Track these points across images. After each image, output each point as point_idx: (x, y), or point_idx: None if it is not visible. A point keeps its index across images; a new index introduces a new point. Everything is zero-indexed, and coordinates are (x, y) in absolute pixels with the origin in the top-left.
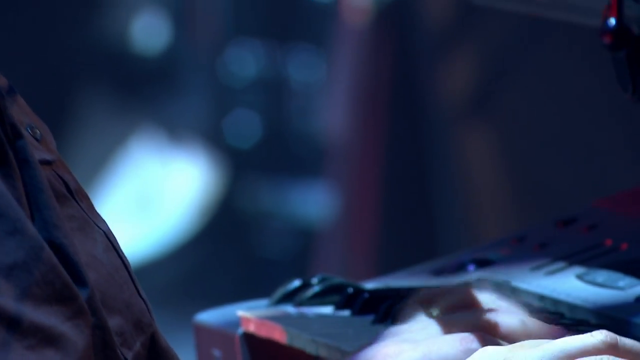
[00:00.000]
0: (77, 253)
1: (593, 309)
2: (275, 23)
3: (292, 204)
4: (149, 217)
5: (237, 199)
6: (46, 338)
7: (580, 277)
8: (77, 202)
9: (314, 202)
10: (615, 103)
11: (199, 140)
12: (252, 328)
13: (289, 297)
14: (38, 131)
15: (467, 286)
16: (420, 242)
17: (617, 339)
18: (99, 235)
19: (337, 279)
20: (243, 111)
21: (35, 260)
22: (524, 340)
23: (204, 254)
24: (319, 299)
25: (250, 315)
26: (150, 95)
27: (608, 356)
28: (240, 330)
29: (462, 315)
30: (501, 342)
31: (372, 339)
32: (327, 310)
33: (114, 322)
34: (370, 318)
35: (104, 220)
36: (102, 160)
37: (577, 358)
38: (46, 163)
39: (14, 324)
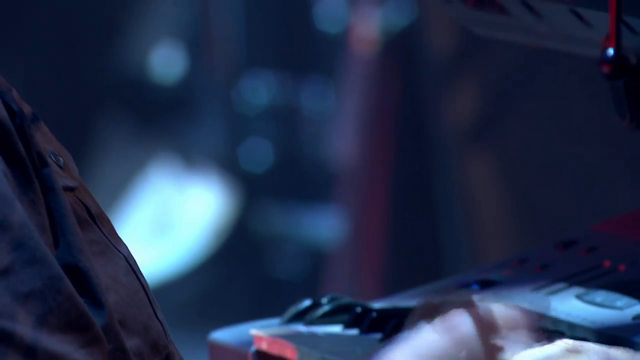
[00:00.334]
0: (97, 276)
1: (592, 327)
2: (287, 54)
3: (303, 226)
4: (166, 239)
5: (250, 222)
6: None
7: (579, 297)
8: (98, 226)
9: (324, 225)
10: (613, 130)
11: (214, 165)
12: (264, 346)
13: (300, 316)
14: (61, 158)
15: (467, 295)
16: (426, 263)
17: (578, 345)
18: (119, 259)
19: (346, 299)
20: (256, 138)
21: (52, 289)
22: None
23: (218, 274)
24: (328, 318)
25: (262, 333)
26: (168, 123)
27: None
28: (253, 348)
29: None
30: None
31: (374, 353)
32: (337, 328)
33: (132, 343)
34: (377, 336)
35: (124, 244)
36: (122, 185)
37: None
38: (69, 189)
39: (29, 352)
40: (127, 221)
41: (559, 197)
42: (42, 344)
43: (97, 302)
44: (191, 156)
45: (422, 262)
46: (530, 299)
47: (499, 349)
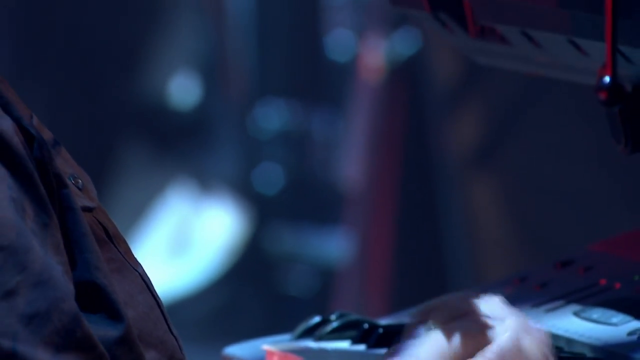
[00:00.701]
0: (115, 292)
1: (589, 343)
2: (298, 82)
3: (313, 246)
4: (183, 258)
5: (263, 241)
6: None
7: (577, 314)
8: (115, 246)
9: (333, 245)
10: (609, 155)
11: (228, 188)
12: None
13: (310, 332)
14: (80, 181)
15: (462, 295)
16: (430, 281)
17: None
18: (135, 277)
19: (354, 316)
20: (269, 162)
21: (57, 310)
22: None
23: (232, 292)
24: (337, 334)
25: (274, 348)
26: (185, 148)
27: None
28: None
29: (458, 324)
30: None
31: None
32: (345, 344)
33: (150, 356)
34: (384, 351)
35: (139, 263)
36: (142, 206)
37: None
38: (87, 210)
39: None
40: (146, 240)
41: (557, 218)
42: None
43: (116, 315)
44: (207, 179)
45: (427, 279)
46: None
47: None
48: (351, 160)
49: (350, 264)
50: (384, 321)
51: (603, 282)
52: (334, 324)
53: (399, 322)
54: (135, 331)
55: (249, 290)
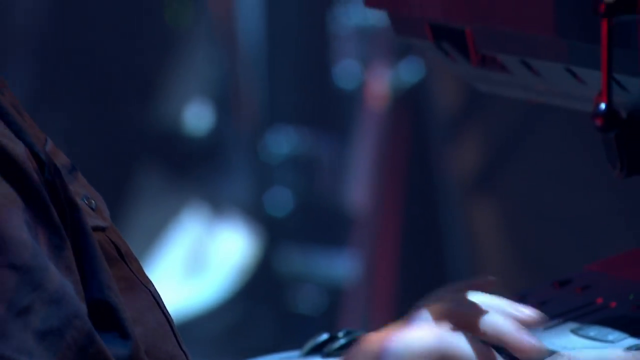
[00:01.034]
0: (125, 311)
1: None
2: (306, 109)
3: (322, 266)
4: (197, 277)
5: (273, 262)
6: None
7: (574, 331)
8: (126, 264)
9: (340, 265)
10: (605, 179)
11: (240, 211)
12: None
13: (318, 349)
14: (93, 201)
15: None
16: None
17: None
18: (145, 295)
19: (361, 333)
20: (279, 186)
21: (70, 327)
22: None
23: (244, 310)
24: (344, 350)
25: None
26: (199, 173)
27: None
28: None
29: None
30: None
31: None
32: None
33: None
34: None
35: (150, 281)
36: (158, 228)
37: None
38: (100, 229)
39: None
40: (162, 261)
41: (555, 239)
42: None
43: (124, 334)
44: (220, 202)
45: None
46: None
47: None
48: (357, 184)
49: (357, 283)
50: None
51: (599, 300)
52: (342, 341)
53: None
54: (143, 347)
55: (260, 308)
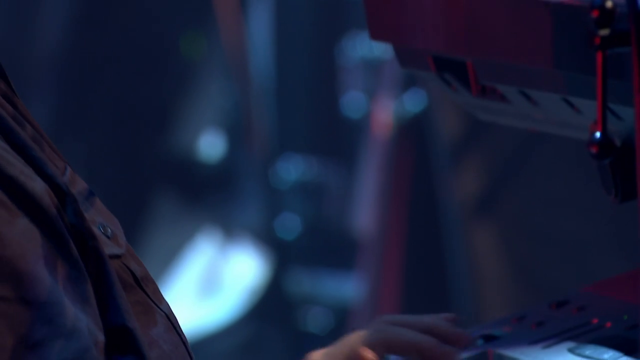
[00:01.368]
0: (142, 334)
1: None
2: (315, 138)
3: (329, 288)
4: (211, 299)
5: (283, 283)
6: None
7: (571, 350)
8: (142, 288)
9: (347, 287)
10: (600, 204)
11: (251, 235)
12: None
13: None
14: (109, 229)
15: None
16: None
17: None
18: (160, 317)
19: None
20: (288, 211)
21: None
22: None
23: (255, 329)
24: None
25: None
26: (212, 199)
27: None
28: None
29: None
30: None
31: None
32: None
33: None
34: None
35: (166, 302)
36: (174, 252)
37: None
38: (116, 257)
39: None
40: (178, 282)
41: (552, 262)
42: None
43: (141, 357)
44: (232, 226)
45: None
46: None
47: None
48: (363, 208)
49: (363, 304)
50: (393, 357)
51: (595, 321)
52: None
53: (407, 358)
54: None
55: (270, 327)
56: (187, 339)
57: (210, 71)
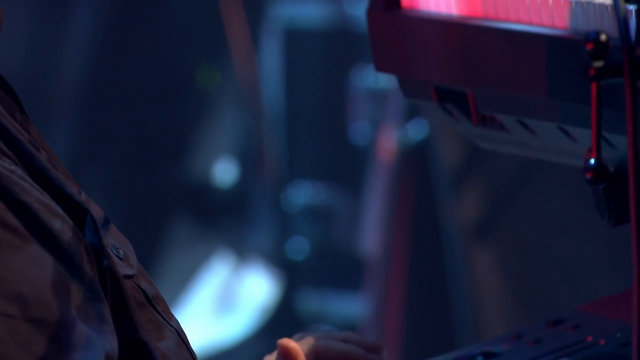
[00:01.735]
0: (157, 348)
1: None
2: (323, 164)
3: (336, 306)
4: (225, 317)
5: (292, 302)
6: None
7: None
8: (154, 306)
9: (353, 305)
10: (595, 227)
11: (263, 256)
12: None
13: None
14: (121, 251)
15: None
16: (438, 336)
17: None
18: (171, 334)
19: None
20: (298, 234)
21: None
22: None
23: (266, 345)
24: None
25: None
26: (226, 222)
27: None
28: None
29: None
30: None
31: None
32: None
33: None
34: None
35: (176, 320)
36: (190, 273)
37: None
38: (128, 277)
39: None
40: (193, 302)
41: (549, 282)
42: None
43: None
44: (245, 248)
45: (435, 335)
46: None
47: None
48: (369, 231)
49: (368, 322)
50: None
51: (590, 339)
52: None
53: None
54: None
55: None
56: (204, 355)
57: (225, 101)
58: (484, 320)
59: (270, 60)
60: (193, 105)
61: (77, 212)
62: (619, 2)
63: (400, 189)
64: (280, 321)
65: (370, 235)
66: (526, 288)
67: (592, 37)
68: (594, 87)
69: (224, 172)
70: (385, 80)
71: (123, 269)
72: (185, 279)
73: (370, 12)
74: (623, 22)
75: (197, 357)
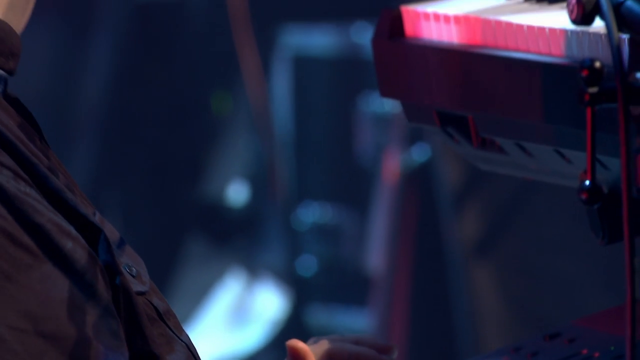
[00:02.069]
0: None
1: None
2: (331, 186)
3: (344, 321)
4: (237, 331)
5: (302, 317)
6: None
7: None
8: (165, 321)
9: (360, 320)
10: (590, 245)
11: (274, 273)
12: None
13: None
14: (134, 269)
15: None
16: (440, 349)
17: None
18: (181, 347)
19: None
20: (307, 252)
21: None
22: None
23: (276, 358)
24: None
25: None
26: (238, 241)
27: None
28: None
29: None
30: None
31: None
32: None
33: None
34: None
35: (186, 334)
36: (204, 289)
37: None
38: (141, 294)
39: None
40: (207, 317)
41: (546, 297)
42: None
43: None
44: (256, 266)
45: (437, 348)
46: None
47: None
48: (375, 249)
49: (374, 335)
50: None
51: (585, 351)
52: None
53: None
54: None
55: None
56: None
57: (237, 126)
58: (484, 333)
59: (281, 87)
60: (207, 130)
61: (91, 232)
62: (613, 30)
63: (404, 209)
64: (290, 335)
65: (376, 253)
66: (524, 303)
67: (587, 64)
68: (588, 111)
69: (237, 193)
70: (390, 106)
71: (135, 286)
72: (200, 295)
73: (376, 40)
74: (616, 50)
75: None
